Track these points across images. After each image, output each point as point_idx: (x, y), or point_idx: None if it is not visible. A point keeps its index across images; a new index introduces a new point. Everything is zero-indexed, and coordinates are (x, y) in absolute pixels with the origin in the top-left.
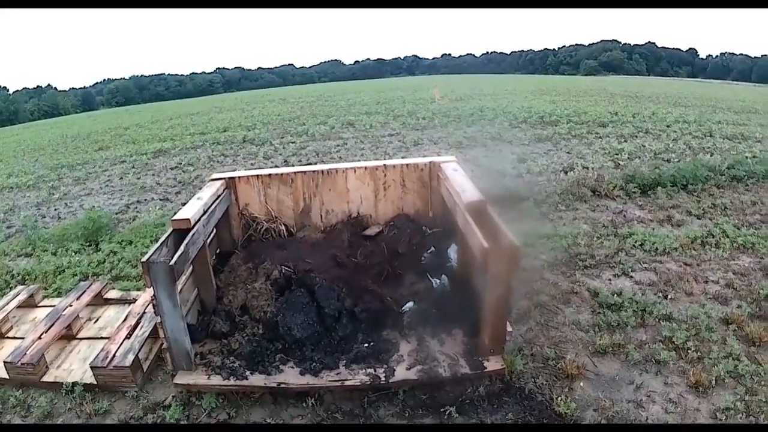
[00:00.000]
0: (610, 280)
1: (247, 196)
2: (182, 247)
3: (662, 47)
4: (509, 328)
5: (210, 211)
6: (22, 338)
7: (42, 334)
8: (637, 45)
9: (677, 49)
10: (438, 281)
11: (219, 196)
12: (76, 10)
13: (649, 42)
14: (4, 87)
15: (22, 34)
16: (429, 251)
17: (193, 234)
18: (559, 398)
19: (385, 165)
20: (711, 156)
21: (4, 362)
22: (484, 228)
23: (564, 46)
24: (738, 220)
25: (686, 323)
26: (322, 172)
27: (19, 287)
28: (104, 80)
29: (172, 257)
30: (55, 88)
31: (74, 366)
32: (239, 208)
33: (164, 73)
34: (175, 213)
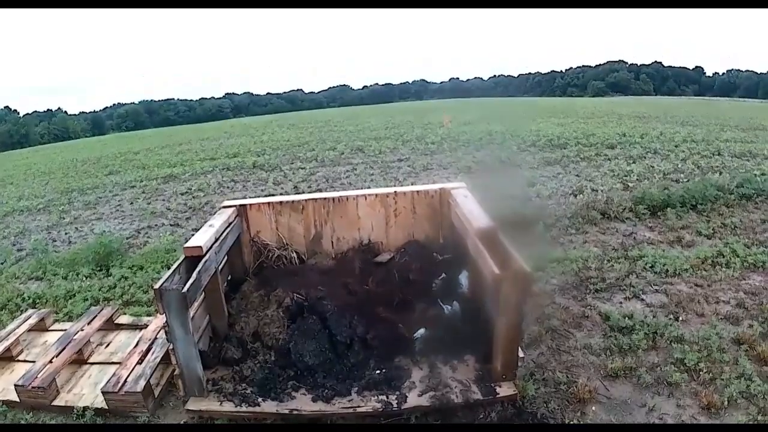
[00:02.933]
0: (621, 303)
1: (259, 224)
2: (194, 275)
3: (669, 66)
4: (521, 354)
5: (222, 238)
6: (33, 362)
7: (53, 358)
8: (644, 65)
9: (684, 68)
10: (449, 307)
11: (231, 224)
12: (89, 35)
13: (656, 62)
14: (15, 110)
15: (33, 57)
16: (440, 278)
17: (206, 261)
18: (572, 423)
19: (395, 192)
20: (720, 175)
21: (15, 385)
22: (495, 254)
23: (571, 67)
24: (748, 239)
25: (698, 344)
26: (333, 199)
27: (30, 311)
28: (114, 105)
29: (185, 284)
30: (65, 112)
31: (85, 390)
32: (251, 235)
33: (174, 98)
34: (186, 240)
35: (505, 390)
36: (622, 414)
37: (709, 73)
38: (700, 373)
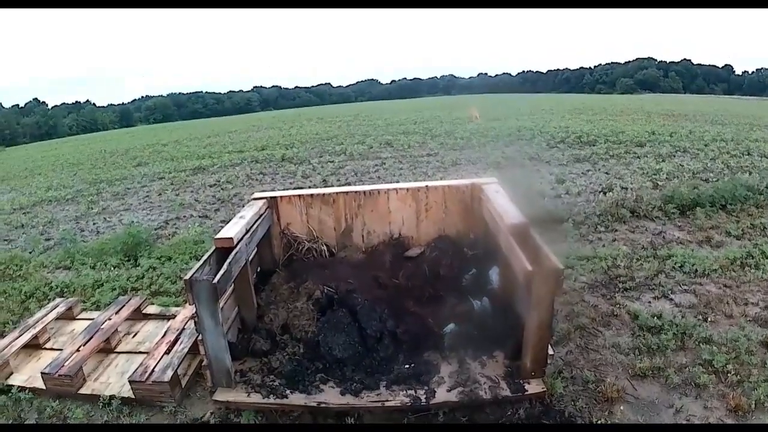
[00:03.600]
0: (650, 302)
1: (289, 216)
2: (225, 266)
3: (698, 64)
4: (551, 351)
5: (252, 230)
6: (60, 350)
7: (80, 346)
8: (672, 62)
9: (713, 65)
10: (479, 303)
11: (261, 216)
12: (121, 29)
13: (685, 59)
14: (44, 102)
15: (63, 51)
16: (470, 273)
17: (236, 253)
18: (599, 422)
19: (427, 186)
20: (749, 175)
21: (42, 373)
22: (527, 250)
23: (600, 64)
24: None
25: (726, 346)
26: (365, 192)
27: (58, 299)
28: (142, 97)
29: (215, 276)
30: (94, 104)
31: (112, 379)
32: (281, 227)
33: (202, 91)
34: (215, 231)
35: (534, 387)
36: (649, 414)
37: (738, 71)
38: (728, 375)
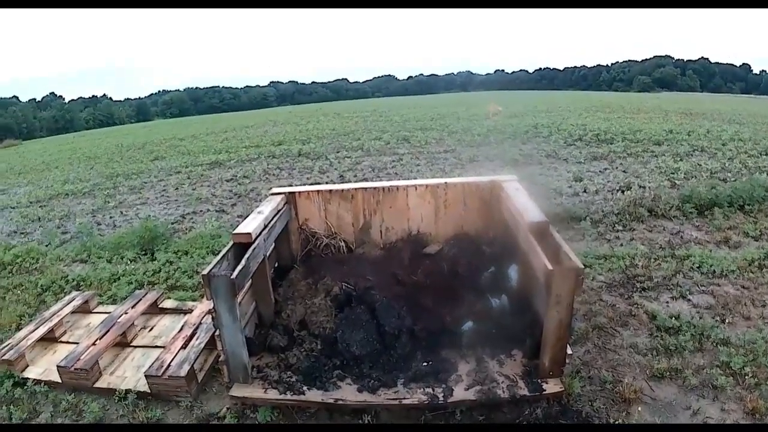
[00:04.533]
0: (667, 302)
1: (308, 211)
2: (243, 261)
3: (715, 63)
4: (569, 351)
5: (270, 225)
6: (76, 343)
7: (96, 340)
8: (690, 61)
9: (730, 64)
10: (497, 301)
11: (279, 211)
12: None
13: (702, 57)
14: (60, 96)
15: (79, 46)
16: (489, 271)
17: (254, 248)
18: (616, 422)
19: (446, 183)
20: (767, 175)
21: (58, 366)
22: (547, 249)
23: (617, 62)
24: None
25: (744, 348)
26: (383, 189)
27: (74, 293)
28: (159, 92)
29: (233, 271)
30: (110, 98)
31: (128, 373)
32: (299, 222)
33: (219, 86)
34: (233, 226)
35: (551, 387)
36: (666, 416)
37: (756, 70)
38: (746, 377)
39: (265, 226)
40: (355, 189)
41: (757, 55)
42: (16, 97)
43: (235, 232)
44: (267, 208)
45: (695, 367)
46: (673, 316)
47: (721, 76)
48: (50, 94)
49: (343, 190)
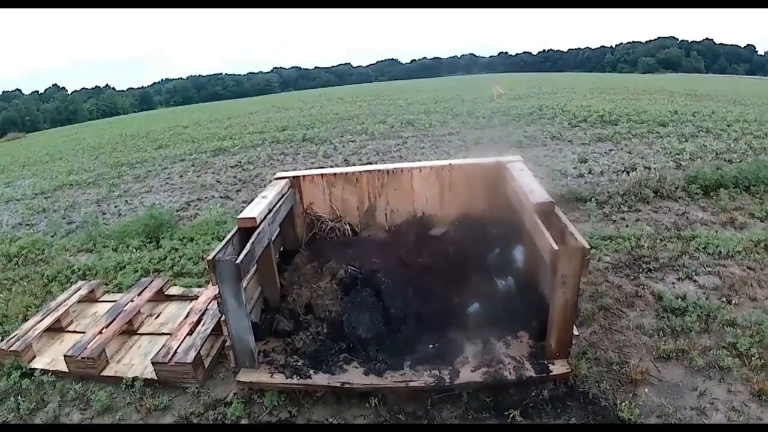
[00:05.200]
0: (674, 283)
1: (312, 195)
2: (248, 246)
3: (720, 44)
4: (575, 332)
5: (275, 209)
6: (83, 332)
7: (103, 328)
8: (694, 42)
9: (735, 45)
10: (503, 283)
11: (284, 195)
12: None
13: (707, 38)
14: (63, 87)
15: (81, 35)
16: (495, 252)
17: (259, 233)
18: (623, 403)
19: (451, 165)
20: None
21: (65, 356)
22: (553, 229)
23: (621, 43)
24: None
25: (750, 329)
26: (388, 171)
27: (80, 282)
28: (162, 80)
29: (238, 256)
30: (113, 89)
31: (135, 361)
32: (304, 206)
33: (222, 73)
34: (237, 211)
35: (558, 368)
36: (673, 397)
37: (761, 51)
38: (752, 358)
39: (270, 211)
40: (360, 172)
41: (762, 36)
42: (19, 90)
43: (239, 216)
44: (271, 192)
45: (701, 348)
46: (679, 297)
47: (726, 57)
48: (53, 85)
49: (347, 174)
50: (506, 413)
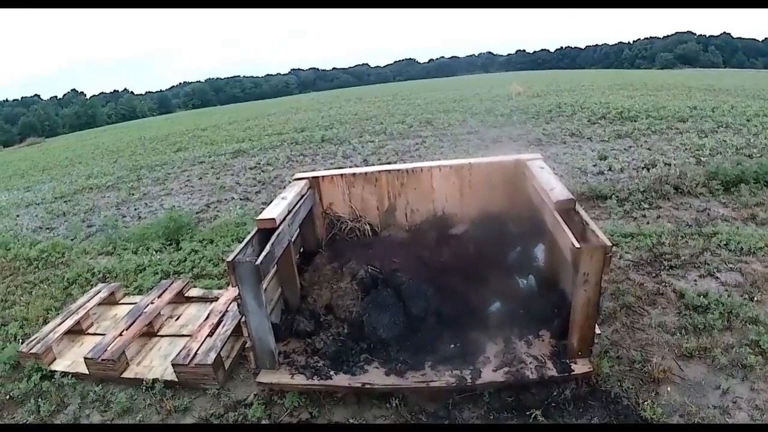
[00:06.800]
0: (695, 280)
1: (332, 196)
2: (268, 247)
3: (738, 38)
4: (597, 330)
5: (294, 210)
6: (103, 335)
7: (123, 330)
8: (712, 36)
9: (753, 39)
10: (525, 281)
11: (303, 196)
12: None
13: (725, 33)
14: (82, 92)
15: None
16: (515, 251)
17: (279, 234)
18: (645, 403)
19: (470, 163)
20: None
21: (85, 358)
22: (574, 227)
23: (639, 39)
24: None
25: None
26: (407, 171)
27: (100, 285)
28: (180, 83)
29: (258, 257)
30: (132, 92)
31: (155, 363)
32: (323, 207)
33: (240, 76)
34: (257, 213)
35: (580, 367)
36: (696, 396)
37: None
38: None
39: (290, 212)
40: (379, 172)
41: None
42: (38, 95)
43: (259, 218)
44: (291, 193)
45: (724, 346)
46: (701, 294)
47: (744, 51)
48: (71, 90)
49: (367, 173)
50: (528, 413)
